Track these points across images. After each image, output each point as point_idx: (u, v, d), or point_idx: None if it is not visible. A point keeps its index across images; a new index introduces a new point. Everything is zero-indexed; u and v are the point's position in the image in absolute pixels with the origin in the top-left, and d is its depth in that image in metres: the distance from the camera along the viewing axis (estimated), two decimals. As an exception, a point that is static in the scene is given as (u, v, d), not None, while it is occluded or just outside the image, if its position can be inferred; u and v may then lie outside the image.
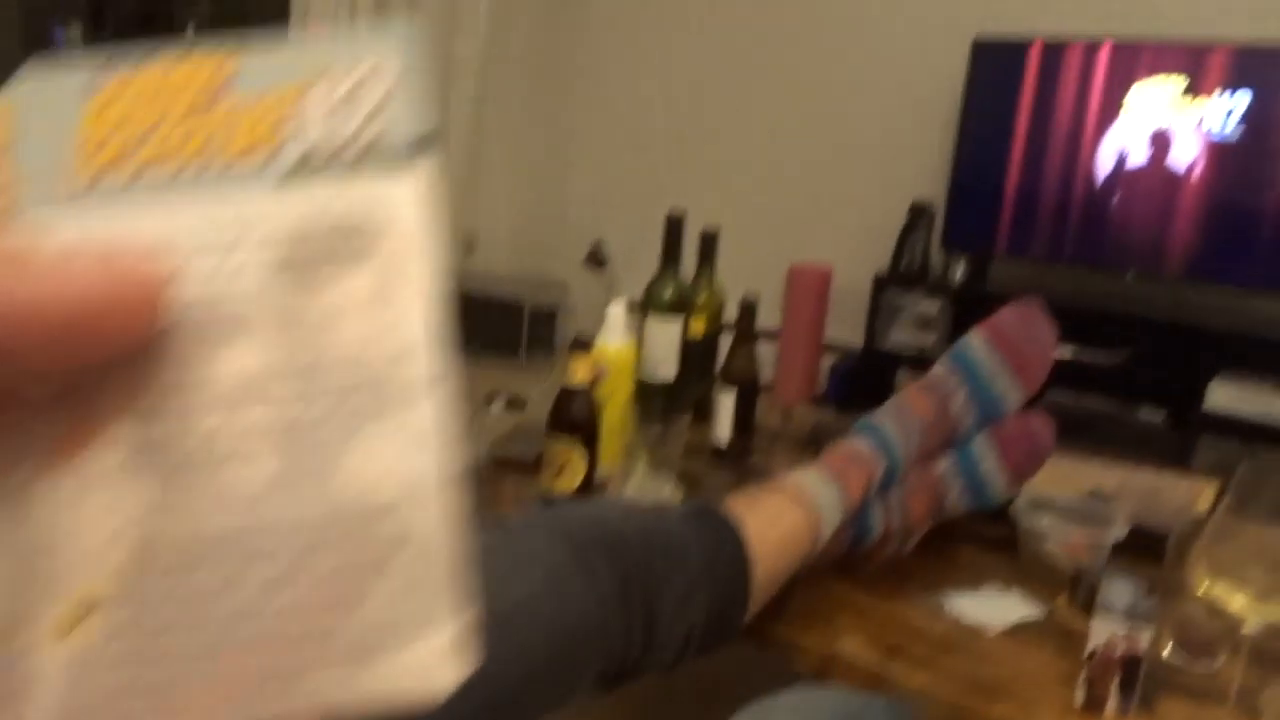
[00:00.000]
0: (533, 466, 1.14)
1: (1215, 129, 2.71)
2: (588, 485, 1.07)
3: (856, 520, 0.96)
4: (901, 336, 3.18)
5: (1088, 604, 0.87)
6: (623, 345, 1.21)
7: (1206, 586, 0.72)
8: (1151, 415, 2.82)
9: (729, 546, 0.81)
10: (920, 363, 2.98)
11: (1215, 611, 0.79)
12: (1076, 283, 3.06)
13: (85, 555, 0.20)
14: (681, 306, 1.37)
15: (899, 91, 3.34)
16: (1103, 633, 0.78)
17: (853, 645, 0.88)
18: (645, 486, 1.15)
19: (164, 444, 0.20)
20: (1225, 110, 2.69)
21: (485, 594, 0.66)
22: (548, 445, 1.07)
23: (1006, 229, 3.05)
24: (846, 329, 3.38)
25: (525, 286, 3.93)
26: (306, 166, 0.21)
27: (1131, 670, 0.78)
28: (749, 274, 3.26)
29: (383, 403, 0.20)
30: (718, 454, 1.31)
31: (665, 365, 1.36)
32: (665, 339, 1.36)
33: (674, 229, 1.36)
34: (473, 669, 0.20)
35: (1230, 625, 0.79)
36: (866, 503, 0.96)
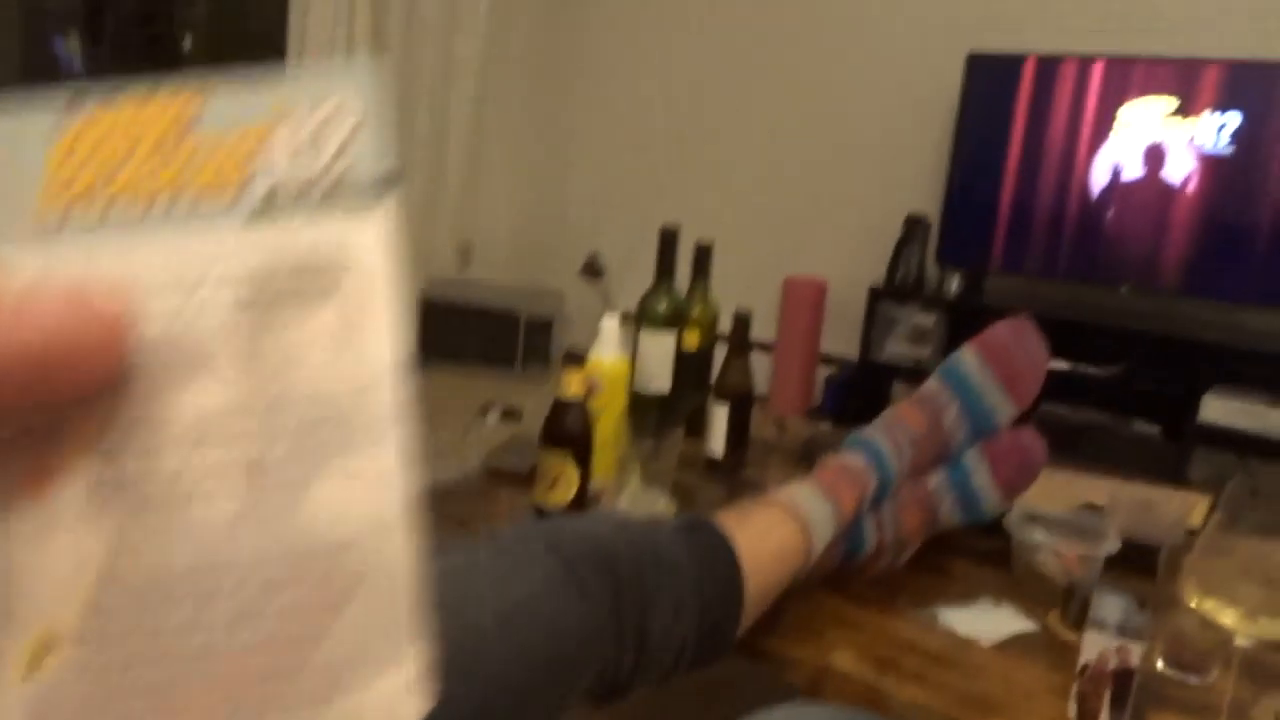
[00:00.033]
0: (527, 478, 1.14)
1: (1208, 145, 2.72)
2: (581, 498, 1.07)
3: (849, 534, 0.96)
4: (897, 349, 3.19)
5: (1080, 618, 0.87)
6: (616, 358, 1.21)
7: (1197, 602, 0.72)
8: (1146, 428, 2.83)
9: (721, 560, 0.81)
10: (916, 375, 2.98)
11: (1207, 625, 0.80)
12: (1071, 296, 3.07)
13: (48, 592, 0.20)
14: (676, 320, 1.37)
15: (894, 105, 3.35)
16: (1094, 647, 0.79)
17: (845, 659, 0.88)
18: (639, 499, 1.15)
19: (128, 481, 0.20)
20: (1217, 126, 2.70)
21: (477, 608, 0.66)
22: (541, 458, 1.07)
23: (1001, 243, 3.06)
24: (842, 341, 3.39)
25: (521, 296, 3.93)
26: (271, 205, 0.21)
27: (1124, 685, 0.78)
28: (745, 286, 3.26)
29: (344, 441, 0.21)
30: (712, 466, 1.31)
31: (659, 378, 1.36)
32: (659, 352, 1.36)
33: (668, 242, 1.36)
34: (432, 705, 0.20)
35: (1222, 639, 0.79)
36: (859, 517, 0.96)
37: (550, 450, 1.06)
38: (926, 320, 3.13)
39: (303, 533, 0.20)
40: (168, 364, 0.20)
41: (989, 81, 2.99)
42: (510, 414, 3.36)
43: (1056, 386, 2.76)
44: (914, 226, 3.15)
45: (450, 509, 1.14)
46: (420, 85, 3.79)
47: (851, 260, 3.41)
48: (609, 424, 1.19)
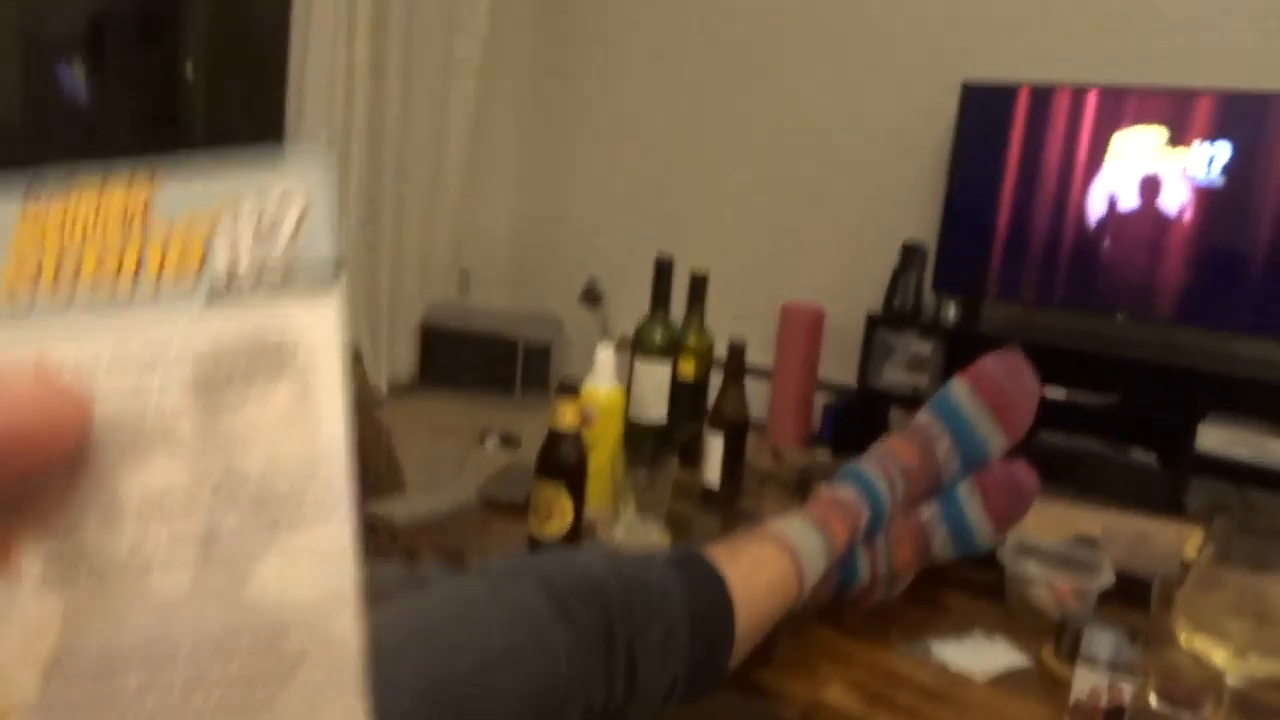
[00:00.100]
0: (523, 508, 1.14)
1: (1200, 176, 2.75)
2: (575, 530, 1.07)
3: (842, 567, 0.96)
4: (895, 376, 3.19)
5: (1073, 653, 0.87)
6: (611, 388, 1.22)
7: (1187, 639, 0.72)
8: (1143, 456, 2.83)
9: (712, 594, 0.81)
10: (914, 402, 2.99)
11: (1200, 660, 0.79)
12: (1067, 324, 3.08)
13: (5, 659, 0.20)
14: (671, 349, 1.37)
15: (891, 133, 3.38)
16: (1086, 684, 0.78)
17: (837, 693, 0.88)
18: (634, 529, 1.15)
19: (85, 553, 0.21)
20: (1208, 157, 2.73)
21: (467, 644, 0.66)
22: (535, 489, 1.07)
23: (997, 271, 3.07)
24: (839, 368, 3.40)
25: (520, 322, 3.94)
26: (223, 289, 0.22)
27: (1115, 721, 0.78)
28: (743, 312, 3.28)
29: (293, 518, 0.21)
30: (707, 496, 1.31)
31: (655, 407, 1.37)
32: (655, 381, 1.36)
33: (663, 272, 1.37)
34: None
35: (1215, 674, 0.79)
36: (852, 549, 0.96)
37: (544, 481, 1.06)
38: (924, 347, 3.14)
39: (252, 606, 0.21)
40: (125, 441, 0.21)
41: (984, 110, 3.02)
42: (508, 440, 3.37)
43: (1053, 415, 2.77)
44: (911, 254, 3.16)
45: (445, 540, 1.14)
46: (418, 113, 3.82)
47: (849, 288, 3.43)
48: (604, 454, 1.19)
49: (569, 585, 0.73)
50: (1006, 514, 1.03)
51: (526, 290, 4.31)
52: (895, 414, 3.20)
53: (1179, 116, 2.76)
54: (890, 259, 3.21)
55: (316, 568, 0.21)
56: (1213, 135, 2.72)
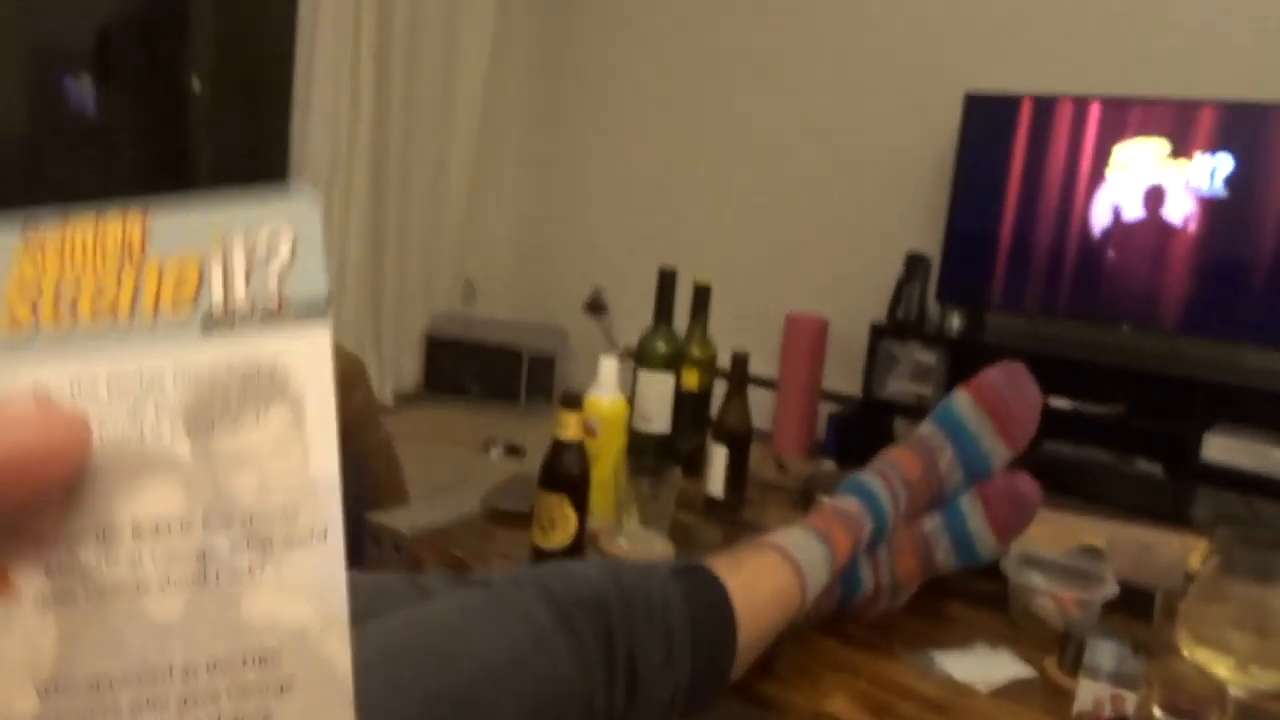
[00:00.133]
0: (527, 518, 1.15)
1: (1203, 187, 2.75)
2: (578, 541, 1.07)
3: (845, 578, 0.96)
4: (899, 386, 3.19)
5: (1077, 664, 0.87)
6: (614, 399, 1.22)
7: (1189, 652, 0.72)
8: (1148, 467, 2.82)
9: (714, 605, 0.81)
10: (918, 412, 2.98)
11: (1203, 672, 0.79)
12: (1072, 334, 3.08)
13: (6, 677, 0.21)
14: (674, 360, 1.38)
15: (894, 144, 3.39)
16: (1089, 695, 0.78)
17: (841, 704, 0.88)
18: (637, 540, 1.16)
19: (81, 576, 0.21)
20: (1210, 169, 2.73)
21: (469, 654, 0.66)
22: (539, 500, 1.07)
23: (1001, 281, 3.07)
24: (844, 379, 3.40)
25: (524, 333, 3.95)
26: (215, 322, 0.23)
27: (1118, 733, 0.78)
28: (747, 323, 3.28)
29: (283, 543, 0.22)
30: (711, 507, 1.31)
31: (659, 418, 1.37)
32: (658, 392, 1.36)
33: (666, 284, 1.38)
34: None
35: (1219, 685, 0.79)
36: (855, 560, 0.96)
37: (547, 493, 1.06)
38: (928, 358, 3.14)
39: (244, 627, 0.22)
40: (123, 464, 0.22)
41: (987, 121, 3.02)
42: (513, 450, 3.37)
43: (1058, 425, 2.77)
44: (915, 264, 3.16)
45: (449, 550, 1.14)
46: (423, 123, 3.84)
47: (853, 298, 3.43)
48: (607, 464, 1.19)
49: (570, 596, 0.73)
50: (1009, 525, 1.03)
51: (531, 301, 4.32)
52: (900, 424, 3.20)
53: (1182, 127, 2.76)
54: (894, 269, 3.22)
55: (307, 590, 0.22)
56: (1216, 146, 2.72)
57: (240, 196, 0.24)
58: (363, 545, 1.18)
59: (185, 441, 0.22)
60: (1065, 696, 0.88)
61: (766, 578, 0.87)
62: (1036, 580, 1.04)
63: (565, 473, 1.06)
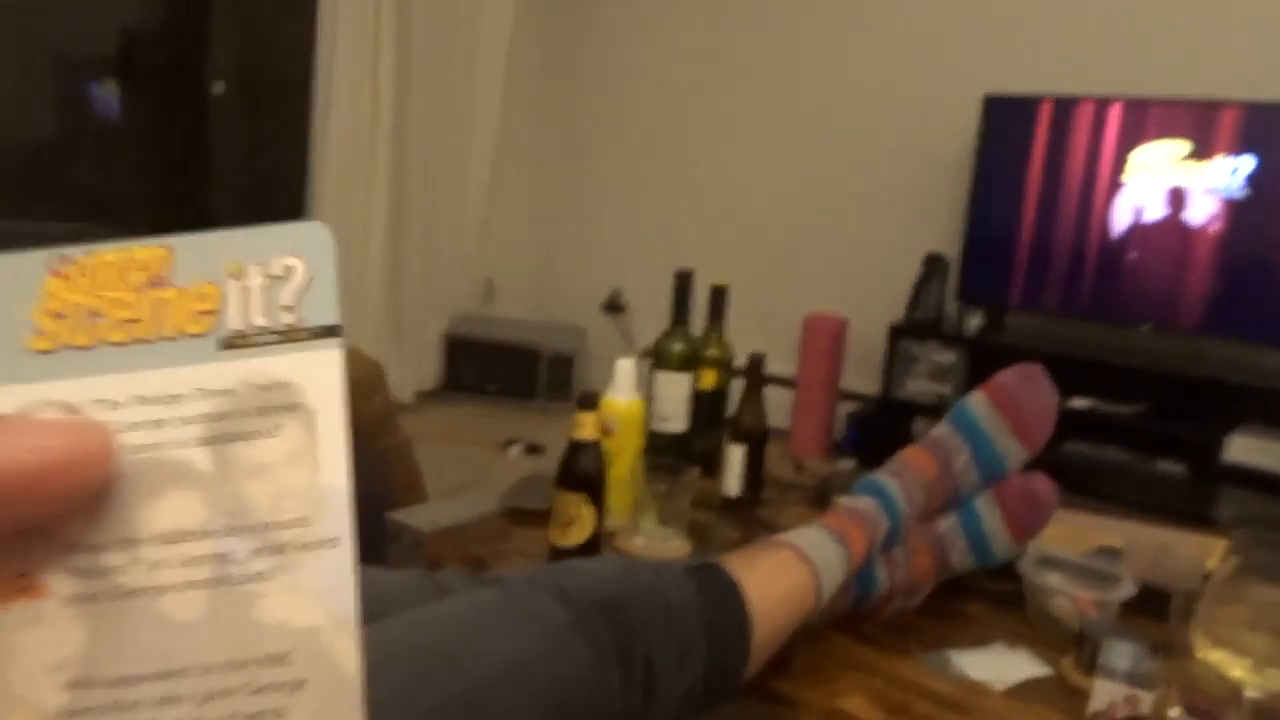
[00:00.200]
0: (545, 516, 1.16)
1: (1224, 187, 2.72)
2: (595, 540, 1.08)
3: (860, 577, 0.96)
4: (918, 386, 3.18)
5: (1093, 664, 0.87)
6: (631, 399, 1.23)
7: (1205, 654, 0.72)
8: (1171, 467, 2.80)
9: (729, 604, 0.82)
10: (937, 412, 2.97)
11: (1219, 673, 0.79)
12: (1092, 335, 3.06)
13: (33, 677, 0.22)
14: (691, 361, 1.38)
15: (913, 145, 3.38)
16: (1105, 695, 0.79)
17: (856, 703, 0.88)
18: (654, 539, 1.16)
19: (105, 578, 0.23)
20: (1231, 169, 2.71)
21: (485, 653, 0.67)
22: (556, 499, 1.08)
23: (1020, 282, 3.06)
24: (863, 378, 3.39)
25: (543, 332, 3.96)
26: (233, 342, 0.25)
27: (1134, 733, 0.78)
28: (766, 323, 3.29)
29: (296, 549, 0.23)
30: (727, 506, 1.31)
31: (675, 418, 1.38)
32: (675, 393, 1.37)
33: (683, 285, 1.38)
34: None
35: (1235, 687, 0.79)
36: (870, 560, 0.96)
37: (565, 492, 1.07)
38: (947, 358, 3.13)
39: (258, 629, 0.23)
40: (145, 472, 0.23)
41: (1006, 123, 3.01)
42: (533, 449, 3.38)
43: (1080, 425, 2.75)
44: (934, 265, 3.16)
45: (467, 548, 1.15)
46: (443, 124, 3.86)
47: (872, 298, 3.42)
48: (624, 464, 1.20)
49: (586, 595, 0.74)
50: (1025, 526, 1.03)
51: (550, 301, 4.34)
52: (919, 424, 3.20)
53: (1203, 128, 2.74)
54: (913, 270, 3.21)
55: (318, 594, 0.23)
56: (1237, 147, 2.70)
57: (255, 230, 0.25)
58: (383, 543, 1.19)
59: (204, 450, 0.24)
60: (1081, 696, 0.88)
61: (781, 576, 0.87)
62: (1054, 580, 1.04)
63: (582, 472, 1.07)
